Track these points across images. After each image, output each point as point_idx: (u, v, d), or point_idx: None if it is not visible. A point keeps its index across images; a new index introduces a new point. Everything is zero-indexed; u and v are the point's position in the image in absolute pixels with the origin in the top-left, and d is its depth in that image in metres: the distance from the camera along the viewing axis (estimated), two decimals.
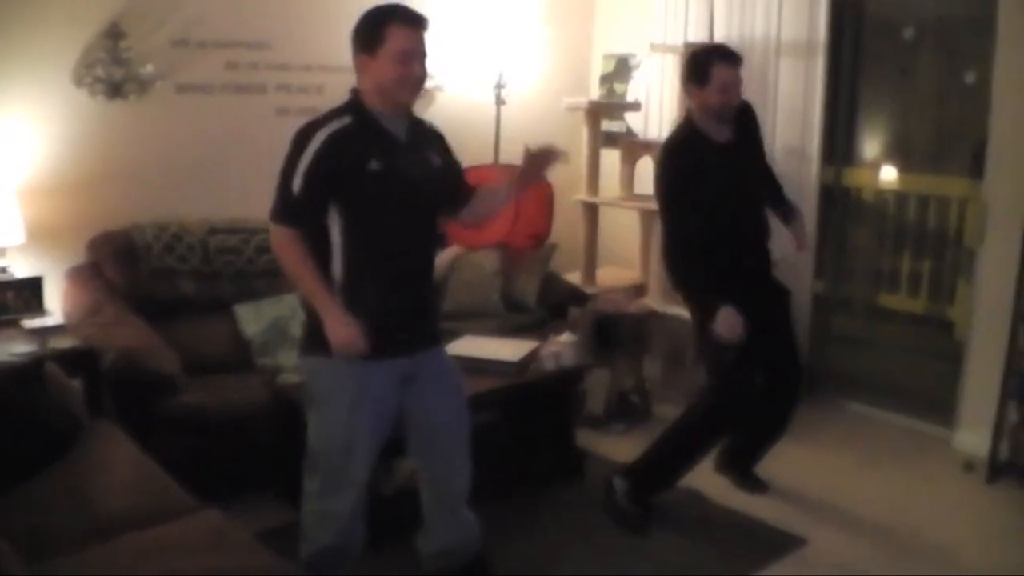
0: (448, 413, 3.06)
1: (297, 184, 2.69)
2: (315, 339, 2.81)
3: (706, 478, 4.22)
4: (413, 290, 2.94)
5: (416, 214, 2.89)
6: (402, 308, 2.88)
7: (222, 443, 3.82)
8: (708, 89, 3.69)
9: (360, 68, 2.81)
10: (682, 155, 3.78)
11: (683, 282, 3.87)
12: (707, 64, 3.69)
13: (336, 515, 2.92)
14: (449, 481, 3.12)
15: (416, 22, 2.77)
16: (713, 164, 3.72)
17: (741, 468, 4.29)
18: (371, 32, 2.76)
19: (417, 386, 2.95)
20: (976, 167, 4.76)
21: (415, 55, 2.76)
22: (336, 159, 2.70)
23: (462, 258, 5.18)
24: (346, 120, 2.76)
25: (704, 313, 3.77)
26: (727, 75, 3.68)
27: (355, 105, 2.81)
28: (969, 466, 4.46)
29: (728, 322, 3.64)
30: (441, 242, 3.10)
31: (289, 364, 4.16)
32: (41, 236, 4.28)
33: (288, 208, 2.72)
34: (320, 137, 2.70)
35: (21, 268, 4.23)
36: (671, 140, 3.91)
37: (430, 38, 2.82)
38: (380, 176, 2.74)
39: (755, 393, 3.94)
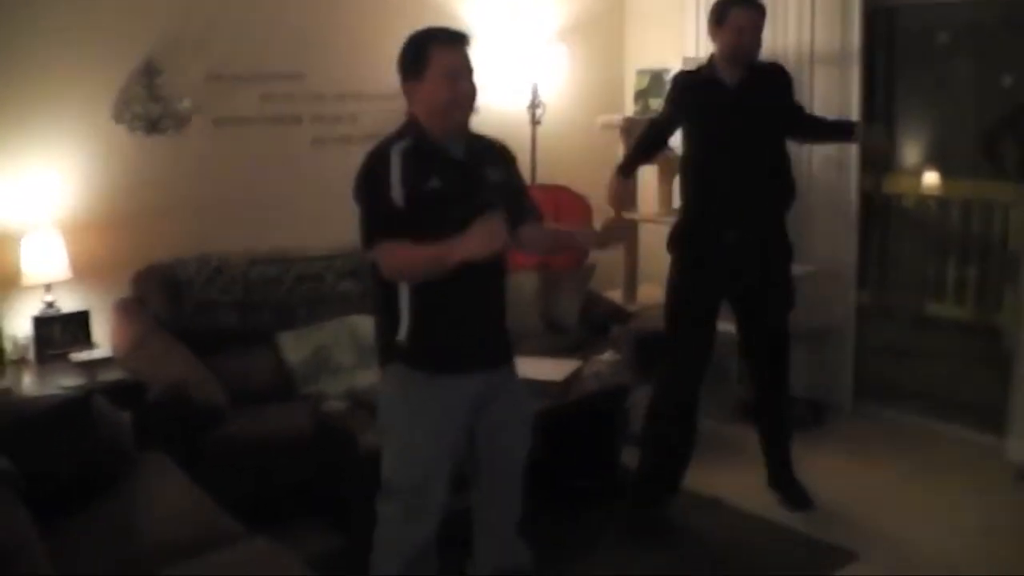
0: (513, 438, 3.04)
1: (398, 197, 2.66)
2: (390, 349, 2.84)
3: (755, 496, 4.20)
4: (483, 305, 2.90)
5: None
6: (473, 325, 2.85)
7: (269, 471, 3.85)
8: (723, 30, 3.77)
9: (410, 94, 2.81)
10: (684, 83, 4.01)
11: None
12: (726, 6, 3.77)
13: (411, 543, 2.89)
14: (505, 505, 3.09)
15: (458, 40, 2.77)
16: (712, 102, 3.83)
17: (779, 480, 4.24)
18: (415, 57, 2.76)
19: (488, 408, 2.93)
20: (1021, 171, 4.70)
21: (462, 72, 2.75)
22: (410, 176, 2.69)
23: None
24: (406, 141, 2.75)
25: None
26: (743, 18, 3.74)
27: (412, 128, 2.80)
28: (1021, 475, 4.38)
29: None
30: (529, 214, 3.06)
31: (333, 390, 4.19)
32: (86, 271, 4.34)
33: (392, 221, 2.67)
34: (396, 155, 2.69)
35: (68, 302, 4.30)
36: (690, 70, 4.11)
37: (474, 54, 2.81)
38: (440, 195, 2.72)
39: (686, 385, 3.98)
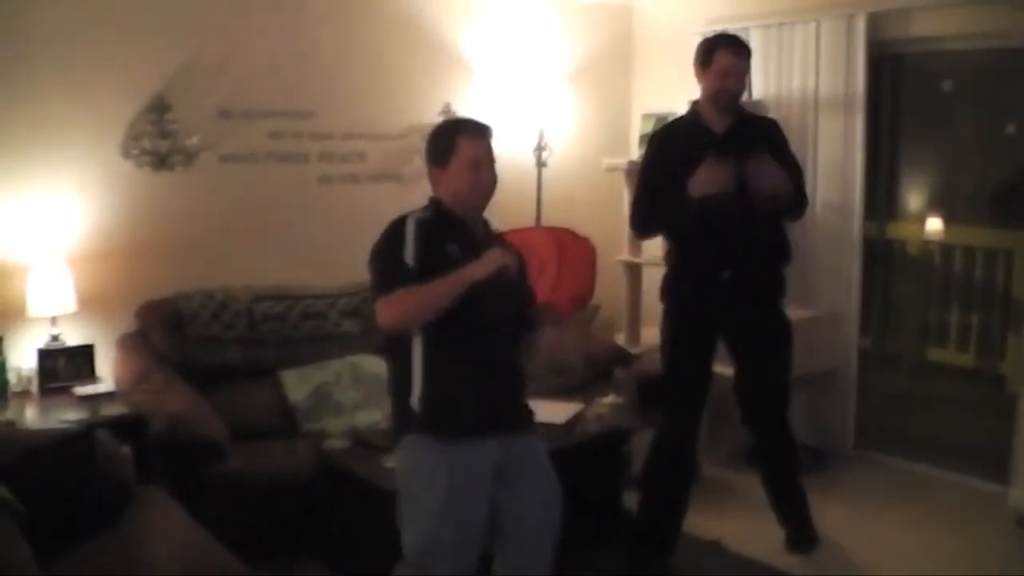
0: (541, 516, 2.98)
1: (410, 257, 2.77)
2: (406, 418, 2.86)
3: (756, 541, 4.18)
4: (498, 366, 2.93)
5: (494, 300, 2.87)
6: (487, 386, 2.88)
7: (270, 509, 3.82)
8: (708, 72, 3.73)
9: (435, 180, 2.96)
10: (666, 134, 3.94)
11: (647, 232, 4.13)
12: (712, 48, 3.74)
13: None
14: None
15: (483, 132, 2.94)
16: (697, 148, 3.70)
17: (787, 516, 4.19)
18: (442, 145, 2.92)
19: (512, 480, 2.91)
20: (1021, 218, 4.72)
21: (484, 162, 2.91)
22: (425, 243, 2.80)
23: None
24: (426, 212, 2.89)
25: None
26: (727, 62, 3.70)
27: (434, 203, 2.93)
28: (1023, 523, 4.35)
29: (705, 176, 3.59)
30: (530, 325, 3.12)
31: (334, 429, 4.19)
32: (92, 304, 4.36)
33: (404, 276, 2.76)
34: (411, 223, 2.83)
35: (72, 336, 4.30)
36: (671, 120, 4.05)
37: (495, 145, 2.97)
38: (455, 260, 2.82)
39: (682, 427, 3.96)
